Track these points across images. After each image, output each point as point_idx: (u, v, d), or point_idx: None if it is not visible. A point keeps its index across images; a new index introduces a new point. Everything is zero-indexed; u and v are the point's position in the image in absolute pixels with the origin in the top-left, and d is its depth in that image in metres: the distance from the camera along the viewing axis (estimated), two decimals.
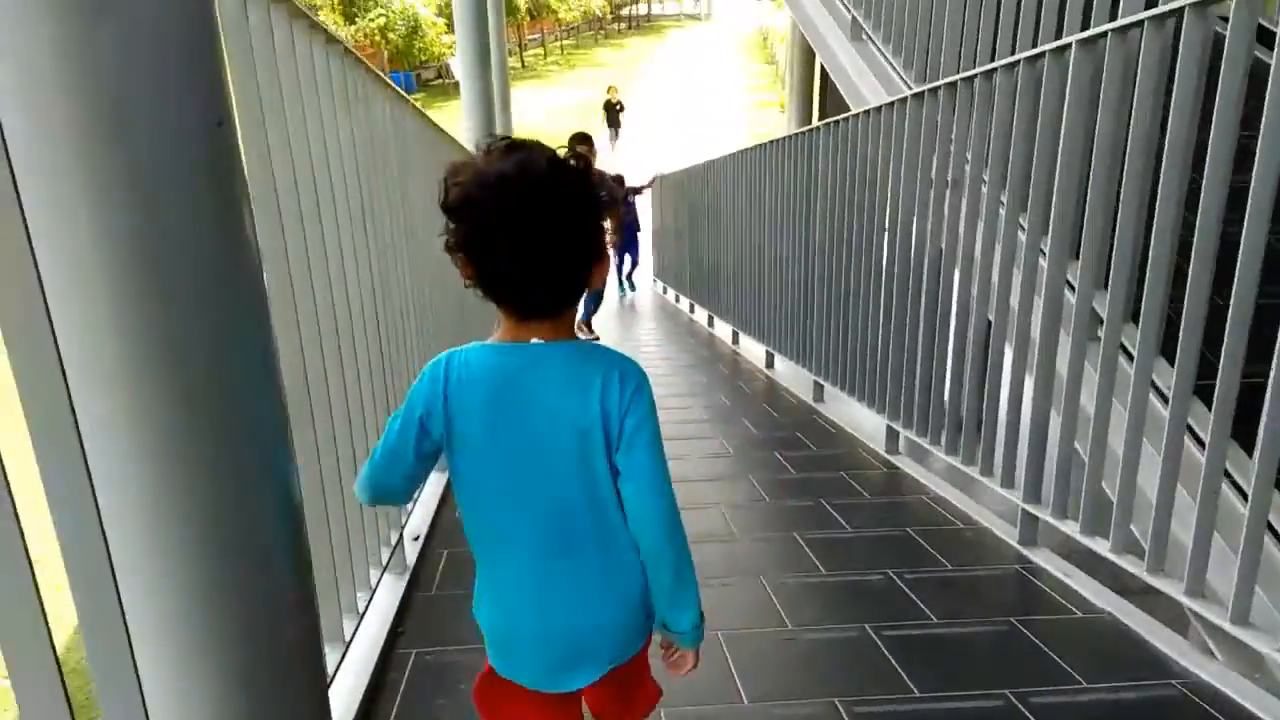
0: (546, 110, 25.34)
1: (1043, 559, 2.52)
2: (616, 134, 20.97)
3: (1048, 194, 2.46)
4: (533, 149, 1.06)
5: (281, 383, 1.20)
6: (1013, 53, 3.01)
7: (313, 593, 1.28)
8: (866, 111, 3.70)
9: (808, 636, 2.10)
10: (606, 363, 1.10)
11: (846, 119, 3.95)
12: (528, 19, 33.78)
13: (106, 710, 1.03)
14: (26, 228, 0.86)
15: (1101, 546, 2.22)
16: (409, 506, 2.61)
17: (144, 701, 1.02)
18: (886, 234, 3.58)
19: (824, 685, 1.88)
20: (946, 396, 3.08)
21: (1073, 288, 2.45)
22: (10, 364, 0.88)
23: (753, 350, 5.99)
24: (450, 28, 22.48)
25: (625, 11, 45.77)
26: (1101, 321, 2.24)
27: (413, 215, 2.90)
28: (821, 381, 4.47)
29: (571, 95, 28.13)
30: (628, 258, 10.28)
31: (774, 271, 5.18)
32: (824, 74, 11.80)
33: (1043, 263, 2.52)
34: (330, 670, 1.67)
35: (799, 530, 2.74)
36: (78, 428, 0.91)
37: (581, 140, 5.79)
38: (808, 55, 12.43)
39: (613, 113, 21.27)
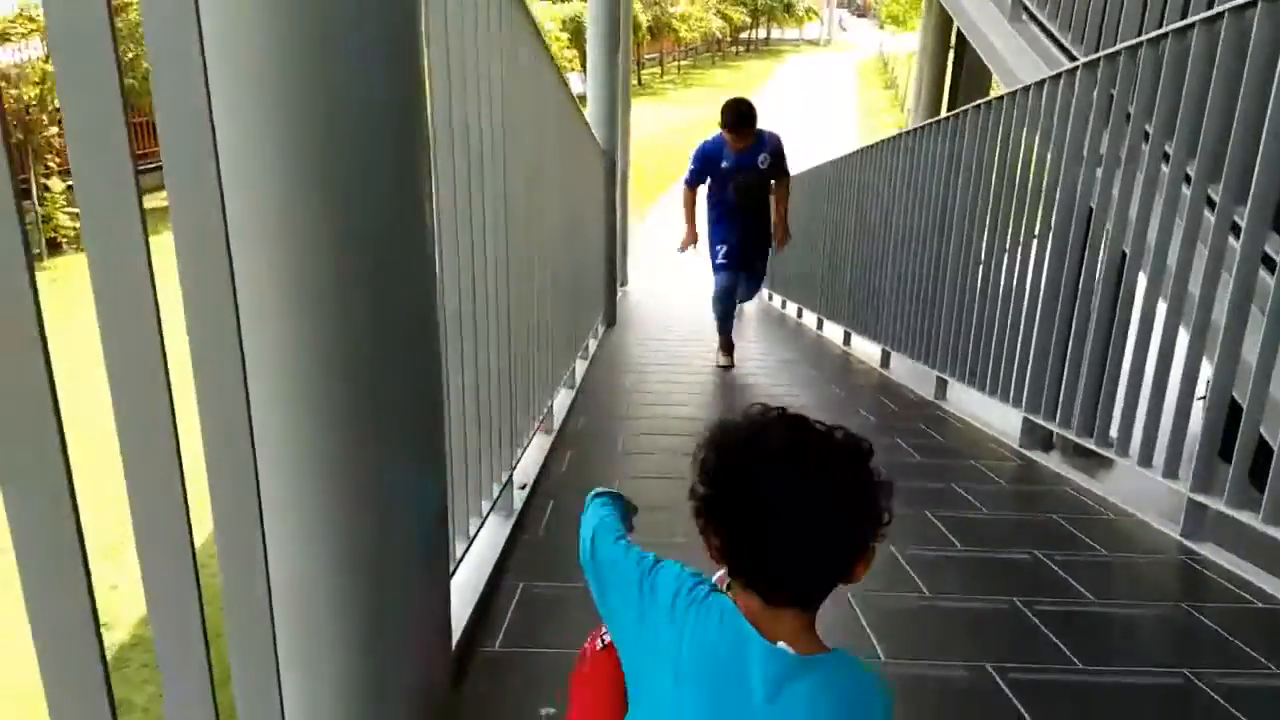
0: (665, 122, 25.57)
1: (1210, 551, 2.25)
2: None
3: (1246, 163, 2.21)
4: (810, 425, 0.94)
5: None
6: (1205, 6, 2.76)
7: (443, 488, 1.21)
8: (1026, 88, 3.48)
9: (947, 604, 1.91)
10: (863, 695, 0.90)
11: (1000, 98, 3.73)
12: (648, 37, 34.16)
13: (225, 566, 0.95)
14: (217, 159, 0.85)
15: None
16: (517, 454, 2.53)
17: (266, 561, 0.96)
18: (1040, 218, 3.34)
19: (972, 649, 1.69)
20: (1105, 384, 2.82)
21: (1271, 265, 2.20)
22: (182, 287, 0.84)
23: (865, 350, 5.76)
24: (571, 42, 22.93)
25: (744, 35, 45.84)
26: None
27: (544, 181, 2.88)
28: (946, 377, 4.23)
29: (686, 112, 28.27)
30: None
31: (901, 263, 4.95)
32: (952, 88, 11.50)
33: (1233, 242, 2.28)
34: None
35: (930, 508, 2.53)
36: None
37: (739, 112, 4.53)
38: (937, 70, 12.15)
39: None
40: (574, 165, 4.24)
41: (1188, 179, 2.48)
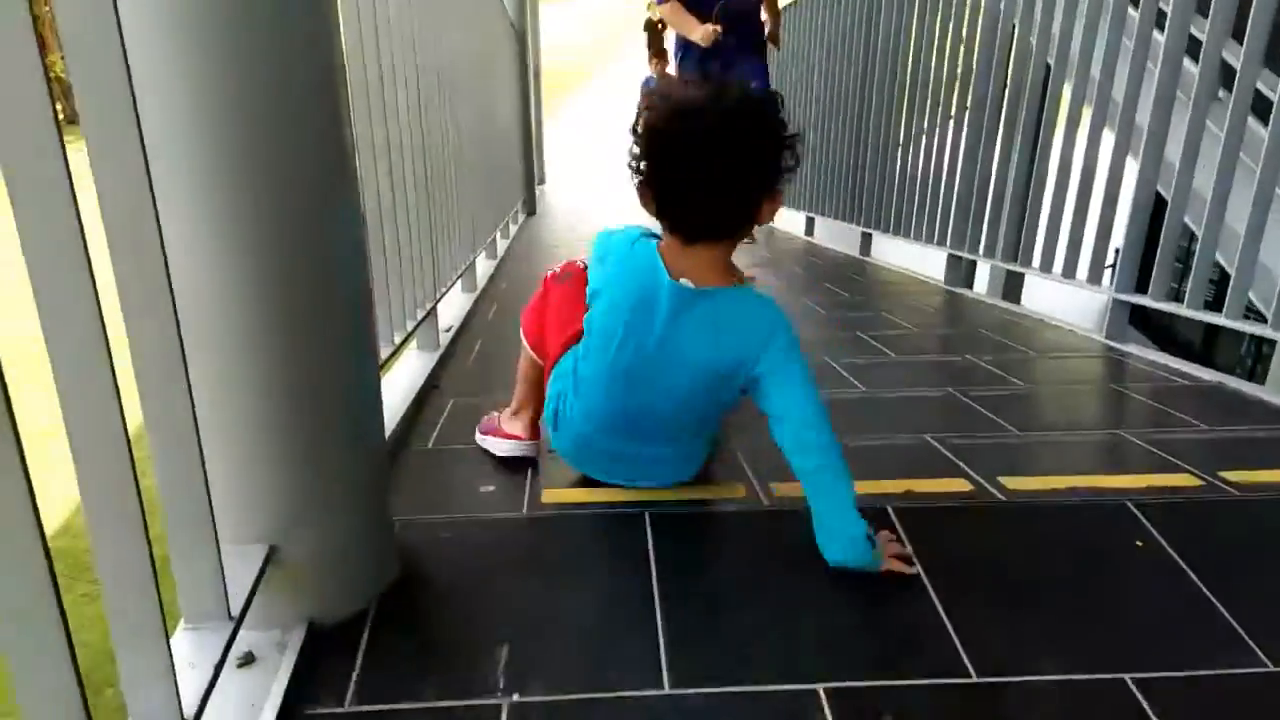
0: (569, 22, 24.70)
1: (1135, 349, 2.30)
2: (664, 61, 18.38)
3: None
4: (726, 84, 1.12)
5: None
6: None
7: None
8: None
9: (886, 395, 1.90)
10: (756, 316, 1.20)
11: None
12: None
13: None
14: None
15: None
16: (441, 291, 2.41)
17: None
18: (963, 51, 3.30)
19: (911, 426, 1.69)
20: (1029, 206, 2.83)
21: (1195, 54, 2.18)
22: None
23: (789, 221, 5.74)
24: None
25: None
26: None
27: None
28: (871, 231, 4.23)
29: (594, 4, 27.34)
30: None
31: (826, 128, 4.88)
32: None
33: (1158, 35, 2.25)
34: None
35: (861, 331, 2.52)
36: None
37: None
38: None
39: (655, 34, 16.08)
40: (484, 32, 4.00)
41: None
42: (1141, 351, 2.27)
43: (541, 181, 9.66)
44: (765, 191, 1.13)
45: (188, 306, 0.79)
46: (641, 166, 1.15)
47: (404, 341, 1.82)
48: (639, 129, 1.15)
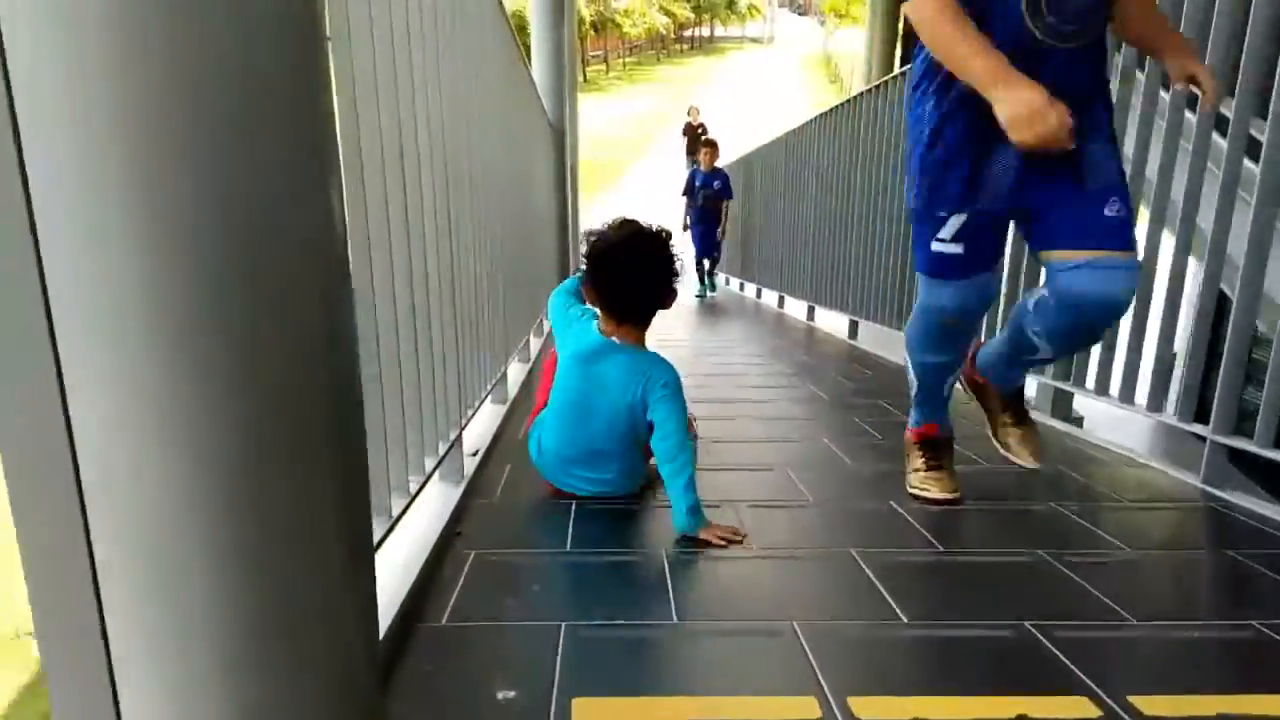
0: (608, 119, 25.29)
1: (1238, 497, 2.04)
2: (709, 153, 16.35)
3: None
4: (639, 226, 1.89)
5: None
6: None
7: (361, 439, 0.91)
8: None
9: (965, 560, 1.66)
10: (648, 366, 1.87)
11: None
12: (591, 33, 33.86)
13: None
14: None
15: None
16: (468, 414, 2.23)
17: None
18: None
19: (1007, 604, 1.44)
20: None
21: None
22: None
23: (831, 323, 5.58)
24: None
25: (688, 33, 45.82)
26: None
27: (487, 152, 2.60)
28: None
29: (632, 106, 28.10)
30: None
31: (867, 223, 4.74)
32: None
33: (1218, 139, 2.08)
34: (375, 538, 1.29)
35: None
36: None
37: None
38: (886, 52, 12.09)
39: (695, 139, 14.36)
40: (522, 136, 3.94)
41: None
42: (1248, 502, 2.01)
43: (577, 271, 9.62)
44: (663, 292, 1.89)
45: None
46: (589, 277, 1.91)
47: (418, 491, 1.62)
48: (587, 254, 1.90)
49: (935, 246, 1.75)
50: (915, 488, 2.00)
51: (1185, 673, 1.25)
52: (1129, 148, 2.46)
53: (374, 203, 1.38)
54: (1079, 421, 3.30)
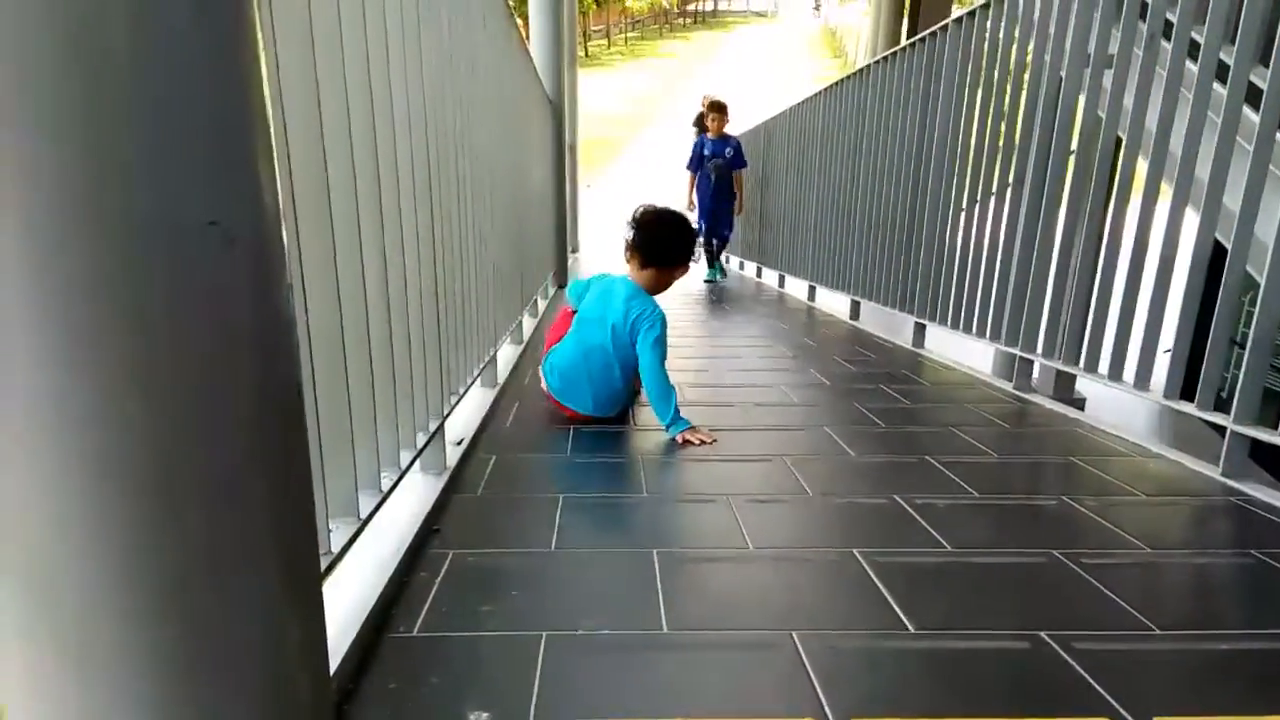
0: (610, 94, 25.00)
1: (1261, 491, 1.94)
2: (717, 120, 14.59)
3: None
4: (664, 209, 2.60)
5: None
6: None
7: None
8: None
9: (979, 560, 1.56)
10: (641, 302, 2.48)
11: (974, 10, 3.40)
12: (594, 7, 33.42)
13: None
14: None
15: None
16: (452, 401, 2.13)
17: None
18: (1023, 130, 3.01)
19: (1022, 611, 1.35)
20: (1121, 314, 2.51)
21: None
22: None
23: (832, 304, 5.46)
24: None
25: (691, 6, 45.25)
26: None
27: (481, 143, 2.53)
28: (923, 321, 3.91)
29: (634, 81, 27.75)
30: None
31: (872, 209, 4.62)
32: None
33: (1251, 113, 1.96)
34: (335, 546, 1.19)
35: (933, 455, 2.19)
36: None
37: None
38: (893, 15, 11.95)
39: (704, 127, 12.86)
40: (517, 110, 3.80)
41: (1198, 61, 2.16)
42: (1270, 496, 1.92)
43: (575, 250, 9.52)
44: (682, 246, 2.56)
45: None
46: (631, 236, 2.54)
47: (391, 489, 1.52)
48: (633, 220, 2.57)
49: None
50: None
51: (1215, 691, 1.15)
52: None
53: (338, 175, 1.27)
54: (1081, 404, 3.21)
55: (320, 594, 0.90)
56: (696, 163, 6.97)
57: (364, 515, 1.33)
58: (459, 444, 2.18)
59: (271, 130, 0.74)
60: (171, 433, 0.65)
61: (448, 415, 2.04)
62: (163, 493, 0.65)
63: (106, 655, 0.65)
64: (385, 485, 1.47)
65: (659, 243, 2.50)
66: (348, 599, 1.28)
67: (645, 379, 2.40)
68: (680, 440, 2.30)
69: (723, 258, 7.70)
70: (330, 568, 1.16)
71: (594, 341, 2.46)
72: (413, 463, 1.67)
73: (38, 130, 0.57)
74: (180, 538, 0.67)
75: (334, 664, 1.04)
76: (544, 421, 2.55)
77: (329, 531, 1.20)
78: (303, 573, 0.83)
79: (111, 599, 0.65)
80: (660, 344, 2.40)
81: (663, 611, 1.33)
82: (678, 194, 6.99)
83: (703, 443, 2.27)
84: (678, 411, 2.35)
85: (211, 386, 0.67)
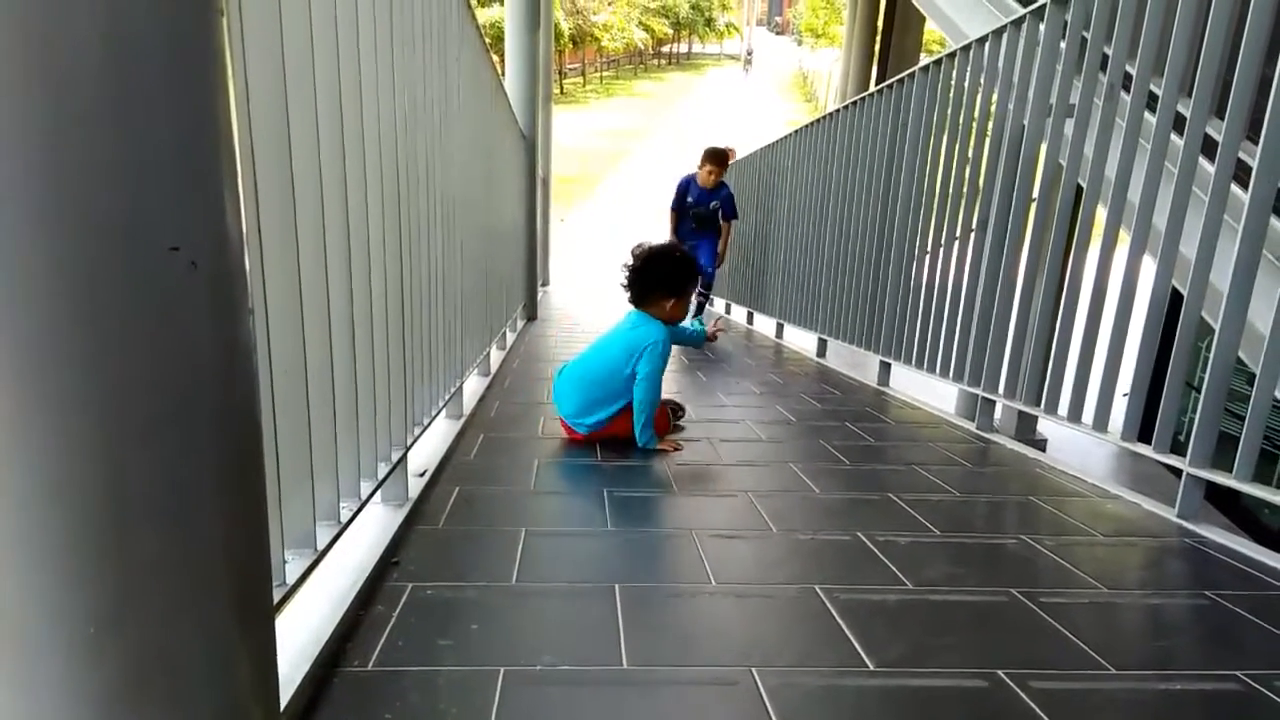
0: (585, 132, 25.22)
1: (1213, 533, 1.98)
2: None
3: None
4: (662, 246, 2.89)
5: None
6: None
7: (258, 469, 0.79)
8: (983, 38, 3.22)
9: (938, 599, 1.57)
10: (648, 331, 2.73)
11: (940, 59, 3.49)
12: (570, 46, 33.80)
13: None
14: None
15: None
16: (415, 432, 2.11)
17: None
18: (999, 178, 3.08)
19: (979, 650, 1.35)
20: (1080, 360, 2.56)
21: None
22: None
23: (800, 341, 5.51)
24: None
25: (666, 48, 45.96)
26: None
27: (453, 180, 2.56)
28: (889, 360, 3.95)
29: (608, 119, 28.04)
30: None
31: (840, 248, 4.68)
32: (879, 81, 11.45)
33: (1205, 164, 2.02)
34: (291, 577, 1.17)
35: (896, 493, 2.21)
36: None
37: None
38: (864, 60, 12.19)
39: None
40: (491, 143, 3.82)
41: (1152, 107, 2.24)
42: (1223, 538, 1.95)
43: (545, 284, 9.54)
44: (670, 291, 2.79)
45: None
46: (627, 275, 2.82)
47: (343, 528, 1.50)
48: (632, 258, 2.83)
49: None
50: None
51: None
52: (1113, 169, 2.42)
53: (305, 200, 1.26)
54: (1042, 444, 3.25)
55: (273, 627, 0.88)
56: (679, 203, 6.44)
57: (321, 547, 1.31)
58: (421, 475, 2.16)
59: (238, 154, 0.74)
60: (121, 455, 0.64)
61: (411, 446, 2.02)
62: (109, 516, 0.64)
63: (48, 688, 0.63)
64: (345, 516, 1.45)
65: (641, 275, 2.79)
66: (302, 632, 1.26)
67: (636, 401, 2.65)
68: (656, 448, 2.64)
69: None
70: (284, 600, 1.14)
71: (609, 350, 2.75)
72: (373, 494, 1.64)
73: None
74: (126, 565, 0.65)
75: (285, 699, 1.02)
76: (509, 455, 2.54)
77: (285, 563, 1.18)
78: (255, 604, 0.81)
79: (54, 628, 0.63)
80: (654, 377, 2.65)
81: (623, 647, 1.32)
82: (656, 230, 6.84)
83: (675, 450, 2.64)
84: (654, 435, 2.65)
85: (165, 409, 0.66)
